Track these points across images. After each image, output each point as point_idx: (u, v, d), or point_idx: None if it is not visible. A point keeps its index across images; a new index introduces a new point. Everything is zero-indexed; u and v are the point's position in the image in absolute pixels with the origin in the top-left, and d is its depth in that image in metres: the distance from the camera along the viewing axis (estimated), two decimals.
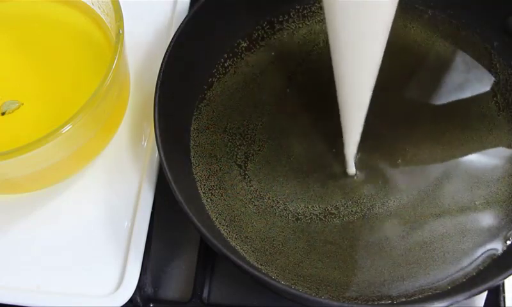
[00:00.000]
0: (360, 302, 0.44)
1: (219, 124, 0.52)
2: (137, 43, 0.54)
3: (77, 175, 0.51)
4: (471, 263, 0.45)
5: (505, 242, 0.46)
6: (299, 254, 0.46)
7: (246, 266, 0.42)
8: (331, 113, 0.47)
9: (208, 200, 0.48)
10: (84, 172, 0.51)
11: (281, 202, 0.48)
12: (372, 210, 0.47)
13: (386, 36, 0.40)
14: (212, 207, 0.48)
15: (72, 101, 0.47)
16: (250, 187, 0.49)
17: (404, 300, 0.44)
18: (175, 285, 0.51)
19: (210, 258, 0.51)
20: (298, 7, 0.55)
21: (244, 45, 0.54)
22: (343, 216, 0.47)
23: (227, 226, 0.47)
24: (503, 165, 0.49)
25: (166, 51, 0.49)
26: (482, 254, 0.45)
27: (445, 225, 0.46)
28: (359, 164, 0.49)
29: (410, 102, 0.52)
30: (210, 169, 0.50)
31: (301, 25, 0.55)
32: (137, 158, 0.51)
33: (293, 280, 0.45)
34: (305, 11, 0.55)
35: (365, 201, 0.48)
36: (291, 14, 0.55)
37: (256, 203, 0.48)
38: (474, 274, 0.45)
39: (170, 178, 0.44)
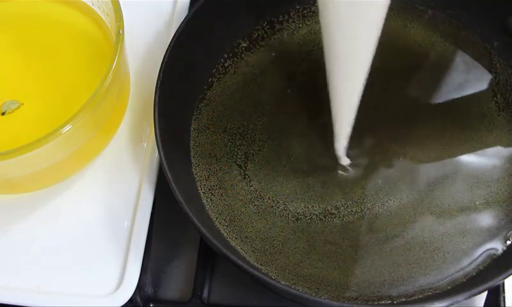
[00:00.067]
0: (359, 302, 0.44)
1: (219, 124, 0.52)
2: (137, 43, 0.54)
3: (77, 175, 0.51)
4: (471, 263, 0.45)
5: (505, 242, 0.46)
6: (299, 254, 0.46)
7: (246, 266, 0.42)
8: (331, 113, 0.47)
9: (208, 200, 0.48)
10: (84, 172, 0.51)
11: (281, 202, 0.48)
12: (372, 210, 0.47)
13: (377, 33, 0.40)
14: (212, 207, 0.48)
15: (72, 101, 0.47)
16: (250, 187, 0.49)
17: (404, 300, 0.44)
18: (175, 285, 0.51)
19: (210, 258, 0.51)
20: (298, 7, 0.55)
21: (244, 45, 0.54)
22: (343, 216, 0.47)
23: (227, 226, 0.47)
24: (503, 165, 0.49)
25: (166, 51, 0.49)
26: (482, 254, 0.45)
27: (445, 225, 0.46)
28: (359, 164, 0.49)
29: (410, 102, 0.52)
30: (210, 169, 0.50)
31: (301, 25, 0.55)
32: (137, 158, 0.51)
33: (293, 280, 0.45)
34: (305, 11, 0.55)
35: (365, 201, 0.48)
36: (291, 14, 0.55)
37: (256, 203, 0.48)
38: (474, 274, 0.45)
39: (170, 178, 0.44)
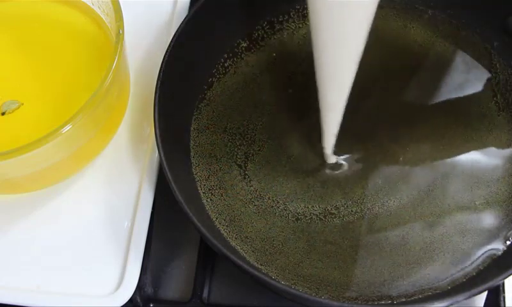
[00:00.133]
0: (359, 302, 0.44)
1: (219, 124, 0.52)
2: (137, 43, 0.54)
3: (77, 175, 0.51)
4: (471, 263, 0.45)
5: (505, 242, 0.46)
6: (299, 254, 0.46)
7: (246, 266, 0.42)
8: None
9: (208, 200, 0.48)
10: (84, 172, 0.51)
11: (281, 202, 0.48)
12: (372, 210, 0.47)
13: (365, 33, 0.40)
14: (212, 207, 0.48)
15: (71, 101, 0.47)
16: (250, 187, 0.49)
17: (404, 300, 0.44)
18: (175, 285, 0.51)
19: (210, 258, 0.51)
20: (298, 7, 0.55)
21: (244, 45, 0.54)
22: (343, 216, 0.47)
23: (227, 226, 0.47)
24: (503, 165, 0.49)
25: (166, 51, 0.49)
26: (482, 254, 0.45)
27: (445, 225, 0.46)
28: (359, 164, 0.49)
29: (410, 102, 0.52)
30: (210, 169, 0.50)
31: (301, 25, 0.55)
32: (137, 158, 0.51)
33: (293, 280, 0.45)
34: (305, 11, 0.55)
35: (365, 201, 0.48)
36: (291, 14, 0.55)
37: (256, 203, 0.48)
38: (474, 274, 0.45)
39: (170, 178, 0.44)
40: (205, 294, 0.49)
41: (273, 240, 0.47)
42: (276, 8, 0.55)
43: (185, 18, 0.51)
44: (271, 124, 0.51)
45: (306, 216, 0.47)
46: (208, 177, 0.49)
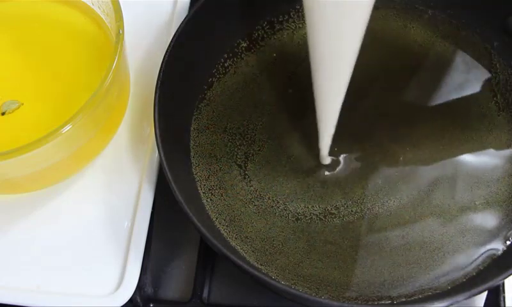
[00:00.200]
0: (359, 302, 0.44)
1: (219, 124, 0.52)
2: (137, 43, 0.54)
3: (77, 175, 0.51)
4: (471, 263, 0.45)
5: (505, 242, 0.46)
6: (299, 254, 0.46)
7: (246, 266, 0.42)
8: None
9: (208, 200, 0.48)
10: (84, 172, 0.51)
11: (281, 202, 0.48)
12: (372, 210, 0.47)
13: (361, 34, 0.40)
14: (212, 207, 0.48)
15: (71, 101, 0.47)
16: (250, 187, 0.49)
17: (404, 300, 0.44)
18: (175, 285, 0.51)
19: (210, 258, 0.51)
20: (298, 7, 0.55)
21: (244, 45, 0.54)
22: (343, 216, 0.47)
23: (227, 226, 0.47)
24: (503, 165, 0.49)
25: (166, 51, 0.49)
26: (482, 254, 0.45)
27: (445, 225, 0.46)
28: (359, 164, 0.49)
29: (410, 102, 0.52)
30: (210, 169, 0.50)
31: (301, 25, 0.55)
32: (137, 158, 0.51)
33: (293, 280, 0.45)
34: None
35: (365, 201, 0.48)
36: (291, 14, 0.55)
37: (256, 203, 0.48)
38: (474, 274, 0.45)
39: (170, 178, 0.44)
40: (205, 294, 0.49)
41: (273, 240, 0.47)
42: (276, 8, 0.55)
43: (185, 18, 0.51)
44: (271, 124, 0.51)
45: (306, 216, 0.47)
46: (208, 177, 0.49)
